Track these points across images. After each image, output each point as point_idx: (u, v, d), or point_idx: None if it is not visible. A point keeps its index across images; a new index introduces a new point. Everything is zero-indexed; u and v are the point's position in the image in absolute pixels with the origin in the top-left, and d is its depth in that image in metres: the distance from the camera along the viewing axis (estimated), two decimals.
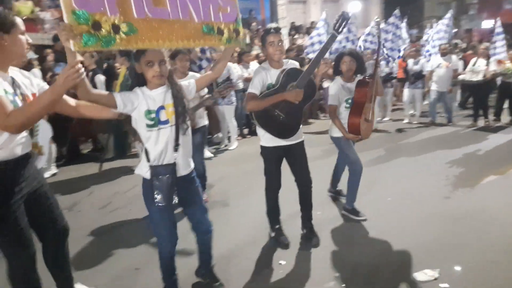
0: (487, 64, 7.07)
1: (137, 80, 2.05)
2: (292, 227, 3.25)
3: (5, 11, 1.89)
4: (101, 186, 4.76)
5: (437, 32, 8.41)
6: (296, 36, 12.30)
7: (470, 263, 2.69)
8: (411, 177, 4.57)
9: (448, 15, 8.69)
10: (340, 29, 2.77)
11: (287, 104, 2.73)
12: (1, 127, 1.75)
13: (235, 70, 6.48)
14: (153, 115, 1.99)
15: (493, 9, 19.46)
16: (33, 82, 2.06)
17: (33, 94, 2.01)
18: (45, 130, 5.13)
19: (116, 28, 1.72)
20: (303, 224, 3.19)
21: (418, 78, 7.68)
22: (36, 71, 5.12)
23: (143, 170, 2.09)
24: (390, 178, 4.58)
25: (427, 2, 18.64)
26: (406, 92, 7.92)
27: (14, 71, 1.98)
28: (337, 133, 3.46)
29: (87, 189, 4.66)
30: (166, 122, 2.02)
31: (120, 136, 5.56)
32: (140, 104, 1.98)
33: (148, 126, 1.99)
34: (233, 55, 6.87)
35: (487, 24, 19.54)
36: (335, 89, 3.41)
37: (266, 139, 2.90)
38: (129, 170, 5.20)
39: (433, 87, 7.36)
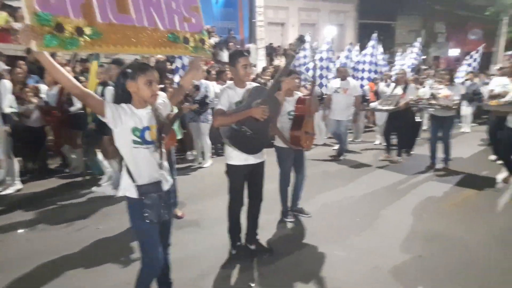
0: (404, 91, 6.27)
1: (122, 97, 2.05)
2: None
3: None
4: (68, 203, 4.59)
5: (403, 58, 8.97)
6: (274, 58, 12.58)
7: (431, 285, 2.78)
8: None
9: (417, 43, 9.22)
10: (298, 50, 2.95)
11: (254, 121, 2.84)
12: None
13: (212, 88, 6.52)
14: (138, 133, 2.02)
15: (459, 39, 20.64)
16: None
17: None
18: (4, 144, 4.96)
19: (80, 31, 1.78)
20: (251, 240, 3.27)
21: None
22: (6, 82, 4.94)
23: (128, 190, 2.08)
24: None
25: (398, 30, 19.50)
26: (378, 115, 8.17)
27: None
28: (280, 144, 3.78)
29: (52, 206, 4.49)
30: (151, 142, 2.07)
31: (90, 152, 5.42)
32: (128, 120, 2.00)
33: (135, 142, 2.02)
34: (210, 73, 6.94)
35: (453, 52, 20.69)
36: None
37: (234, 157, 2.95)
38: (99, 186, 5.07)
39: (330, 115, 6.61)
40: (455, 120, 6.08)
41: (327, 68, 7.68)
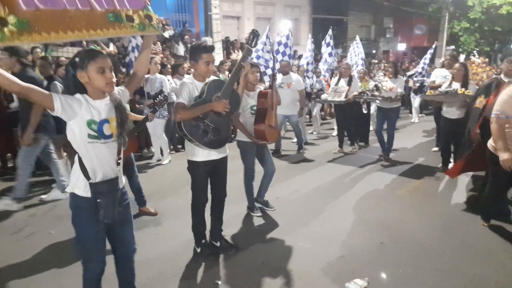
0: (349, 84, 6.38)
1: (75, 91, 1.88)
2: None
3: None
4: (15, 207, 4.22)
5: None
6: (231, 51, 12.44)
7: (395, 270, 2.90)
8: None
9: (357, 40, 9.65)
10: (253, 44, 2.98)
11: (215, 115, 2.78)
12: None
13: (169, 82, 6.32)
14: (96, 127, 1.87)
15: (406, 34, 21.76)
16: None
17: None
18: None
19: (2, 21, 1.60)
20: (216, 237, 3.22)
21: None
22: None
23: (79, 187, 1.93)
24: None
25: (350, 25, 20.10)
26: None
27: None
28: (243, 138, 3.74)
29: None
30: (110, 136, 1.94)
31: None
32: (83, 111, 1.84)
33: (91, 136, 1.87)
34: (167, 68, 6.72)
35: (401, 46, 21.78)
36: None
37: (196, 153, 2.88)
38: (49, 188, 4.73)
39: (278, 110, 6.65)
40: (400, 111, 6.29)
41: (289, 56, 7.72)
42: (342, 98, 6.26)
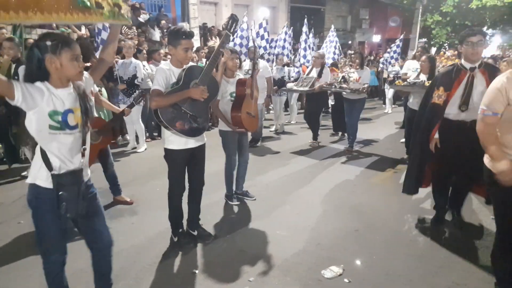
0: (320, 74, 6.30)
1: (37, 76, 1.77)
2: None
3: None
4: None
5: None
6: (208, 38, 12.22)
7: (369, 257, 2.99)
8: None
9: (332, 29, 9.75)
10: (232, 30, 2.94)
11: (193, 102, 2.74)
12: None
13: (144, 68, 6.15)
14: (59, 118, 1.78)
15: (381, 26, 22.09)
16: None
17: None
18: None
19: None
20: (193, 225, 3.21)
21: None
22: None
23: (40, 178, 1.85)
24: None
25: (327, 15, 20.17)
26: None
27: None
28: (224, 127, 3.72)
29: None
30: (75, 127, 1.85)
31: (8, 140, 4.80)
32: (44, 102, 1.74)
33: (53, 128, 1.78)
34: (142, 53, 6.54)
35: (376, 38, 22.12)
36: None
37: (173, 141, 2.83)
38: (18, 176, 4.54)
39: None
40: (365, 102, 6.31)
41: (265, 49, 7.69)
42: (307, 88, 6.16)
